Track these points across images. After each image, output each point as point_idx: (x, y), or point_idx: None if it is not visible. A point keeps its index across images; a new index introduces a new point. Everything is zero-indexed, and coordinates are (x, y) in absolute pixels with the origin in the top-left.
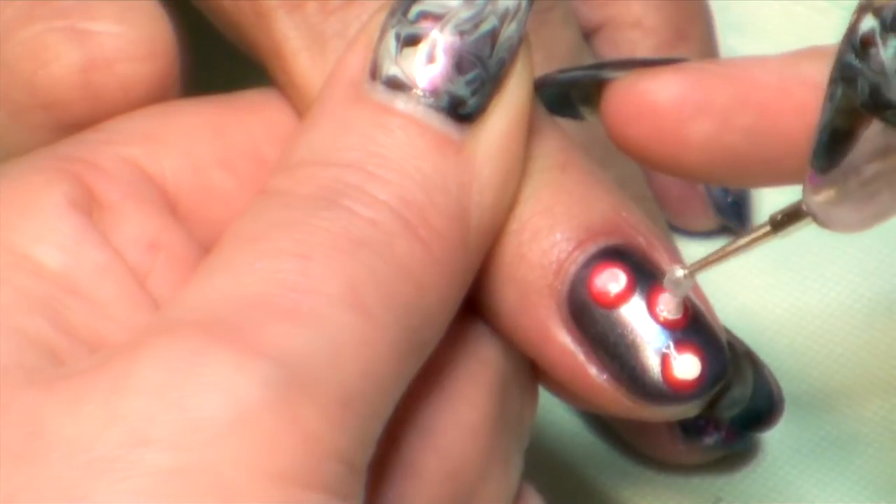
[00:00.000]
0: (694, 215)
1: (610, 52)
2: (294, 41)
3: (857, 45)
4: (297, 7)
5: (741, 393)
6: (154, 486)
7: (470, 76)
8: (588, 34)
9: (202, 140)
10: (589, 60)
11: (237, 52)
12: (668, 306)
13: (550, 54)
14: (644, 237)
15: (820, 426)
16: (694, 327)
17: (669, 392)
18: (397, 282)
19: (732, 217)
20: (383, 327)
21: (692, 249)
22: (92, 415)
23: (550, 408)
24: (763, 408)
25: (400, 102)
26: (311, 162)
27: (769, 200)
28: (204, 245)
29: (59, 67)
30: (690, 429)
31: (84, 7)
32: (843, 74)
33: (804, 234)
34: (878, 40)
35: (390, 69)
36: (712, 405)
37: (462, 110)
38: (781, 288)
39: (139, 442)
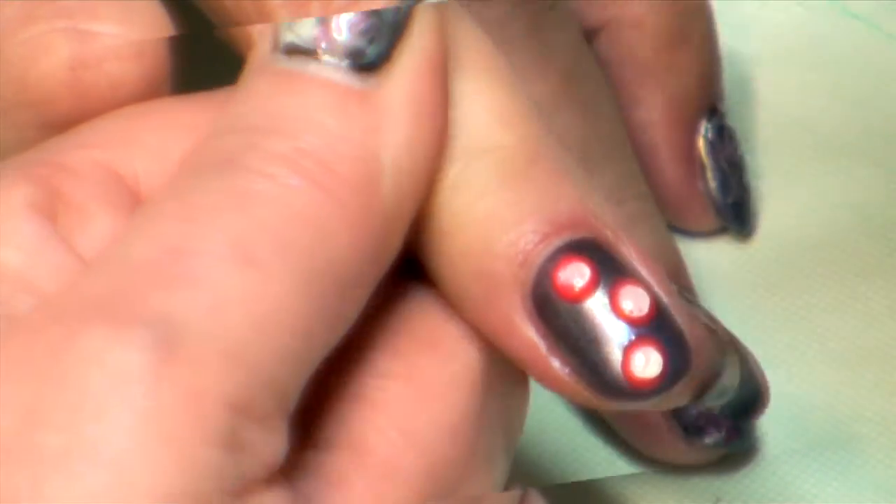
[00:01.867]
0: (694, 215)
1: (611, 52)
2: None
3: None
4: (300, 7)
5: (729, 382)
6: (50, 469)
7: (363, 27)
8: (590, 34)
9: (175, 140)
10: (590, 61)
11: (233, 52)
12: (632, 302)
13: (549, 54)
14: (611, 231)
15: (820, 426)
16: (657, 323)
17: (629, 388)
18: (293, 230)
19: (732, 217)
20: (276, 275)
21: (692, 250)
22: None
23: (551, 408)
24: (751, 396)
25: (299, 65)
26: (217, 133)
27: (769, 200)
28: None
29: (48, 64)
30: (691, 428)
31: (86, 7)
32: None
33: (803, 234)
34: None
35: (287, 37)
36: (701, 394)
37: (362, 61)
38: (782, 287)
39: (29, 427)
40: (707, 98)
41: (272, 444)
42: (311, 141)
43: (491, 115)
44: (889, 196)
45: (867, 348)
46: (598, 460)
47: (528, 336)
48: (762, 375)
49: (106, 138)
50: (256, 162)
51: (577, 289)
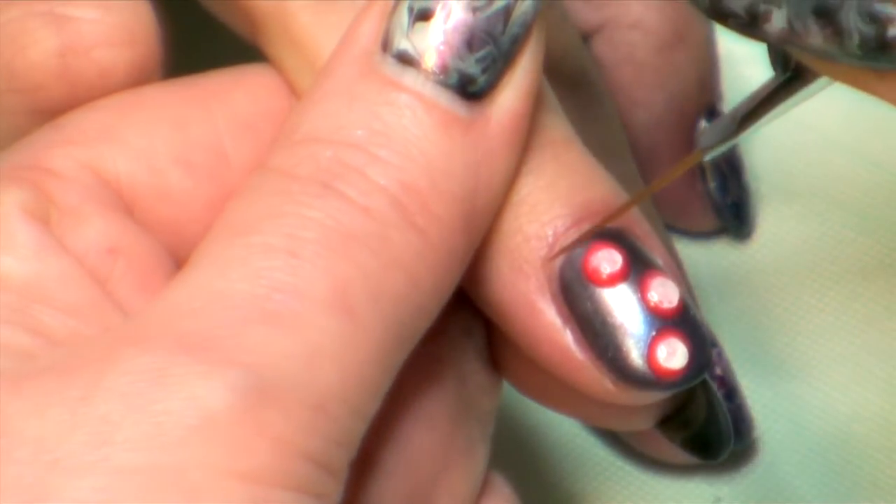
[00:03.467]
0: (693, 216)
1: (609, 53)
2: None
3: None
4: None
5: (694, 415)
6: (118, 482)
7: (481, 54)
8: (587, 35)
9: (160, 135)
10: (588, 62)
11: (223, 39)
12: (660, 294)
13: (546, 55)
14: (639, 227)
15: (820, 426)
16: (683, 317)
17: (652, 378)
18: (388, 276)
19: (732, 218)
20: (369, 328)
21: (692, 251)
22: (57, 419)
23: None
24: (713, 436)
25: (409, 78)
26: (313, 138)
27: (768, 200)
28: (164, 246)
29: (37, 52)
30: None
31: None
32: None
33: (803, 234)
34: None
35: (401, 43)
36: (665, 421)
37: (471, 88)
38: (781, 288)
39: (103, 442)
40: (706, 98)
41: (339, 493)
42: (414, 174)
43: None
44: (889, 196)
45: (867, 348)
46: (598, 460)
47: (551, 319)
48: (726, 423)
49: (89, 134)
50: (357, 193)
51: (606, 275)
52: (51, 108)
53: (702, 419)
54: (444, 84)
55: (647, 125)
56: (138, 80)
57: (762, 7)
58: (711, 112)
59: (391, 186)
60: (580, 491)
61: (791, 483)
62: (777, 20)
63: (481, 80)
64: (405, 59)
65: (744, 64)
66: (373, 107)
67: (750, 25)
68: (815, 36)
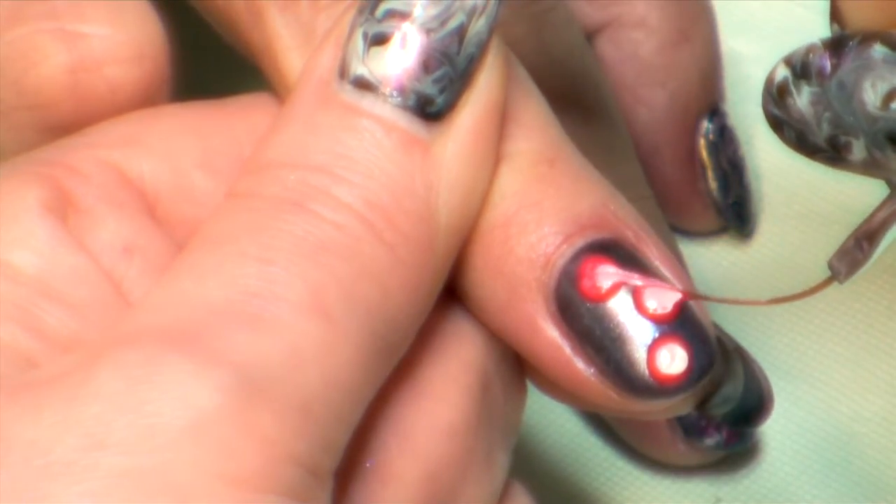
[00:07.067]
0: (695, 216)
1: (613, 52)
2: (285, 39)
3: (774, 95)
4: (288, 6)
5: (733, 390)
6: (109, 487)
7: (437, 74)
8: (591, 34)
9: (183, 143)
10: (591, 62)
11: (231, 56)
12: (657, 300)
13: (551, 56)
14: (633, 231)
15: (820, 426)
16: (681, 321)
17: (656, 386)
18: (361, 286)
19: (733, 218)
20: (346, 332)
21: (693, 250)
22: (50, 421)
23: (551, 408)
24: (754, 404)
25: (367, 102)
26: (278, 164)
27: (769, 200)
28: (184, 247)
29: (48, 68)
30: (691, 429)
31: (74, 8)
32: (771, 122)
33: (803, 234)
34: (792, 89)
35: (358, 69)
36: (704, 402)
37: (430, 109)
38: (782, 288)
39: (95, 446)
40: (708, 98)
41: (325, 499)
42: (378, 193)
43: (508, 121)
44: None
45: (867, 348)
46: (598, 460)
47: (552, 337)
48: (766, 384)
49: (112, 139)
50: (326, 210)
51: (599, 289)
52: (61, 124)
53: (740, 390)
54: (403, 106)
55: (650, 123)
56: (148, 95)
57: (842, 139)
58: (714, 111)
59: (356, 204)
60: (580, 491)
61: (791, 483)
62: (857, 150)
63: (439, 100)
64: (362, 85)
65: (747, 63)
66: (334, 132)
67: (835, 158)
68: (895, 161)
